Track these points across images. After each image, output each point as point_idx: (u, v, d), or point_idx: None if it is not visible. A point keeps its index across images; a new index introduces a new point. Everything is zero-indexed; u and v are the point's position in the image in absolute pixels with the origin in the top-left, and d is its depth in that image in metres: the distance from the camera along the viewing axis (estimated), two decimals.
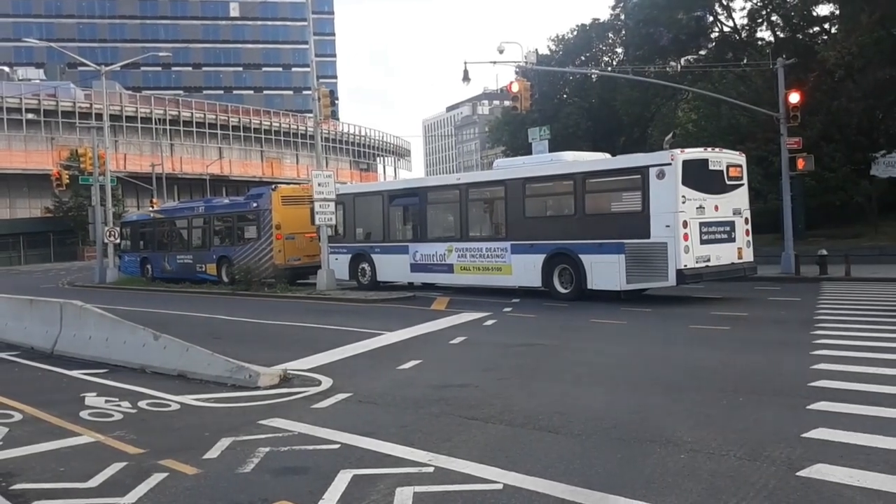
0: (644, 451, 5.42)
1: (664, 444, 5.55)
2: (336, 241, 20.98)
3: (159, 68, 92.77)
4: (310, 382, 8.34)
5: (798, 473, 4.79)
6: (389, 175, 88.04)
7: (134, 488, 4.98)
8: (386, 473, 5.10)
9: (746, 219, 15.65)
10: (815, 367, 8.05)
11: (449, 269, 18.61)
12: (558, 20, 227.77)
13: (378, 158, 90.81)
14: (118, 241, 30.18)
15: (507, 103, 49.63)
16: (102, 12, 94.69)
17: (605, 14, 51.77)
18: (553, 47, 42.99)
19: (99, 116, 40.63)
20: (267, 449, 5.78)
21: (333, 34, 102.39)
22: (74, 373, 9.47)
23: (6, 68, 73.44)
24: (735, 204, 15.41)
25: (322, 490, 4.82)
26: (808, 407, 6.41)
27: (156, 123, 66.33)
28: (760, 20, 33.13)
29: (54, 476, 5.38)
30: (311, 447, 5.83)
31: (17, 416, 7.24)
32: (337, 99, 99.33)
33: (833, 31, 31.11)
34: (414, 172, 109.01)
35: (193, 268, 25.93)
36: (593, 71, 31.78)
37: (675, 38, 33.88)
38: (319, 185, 20.07)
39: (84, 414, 7.20)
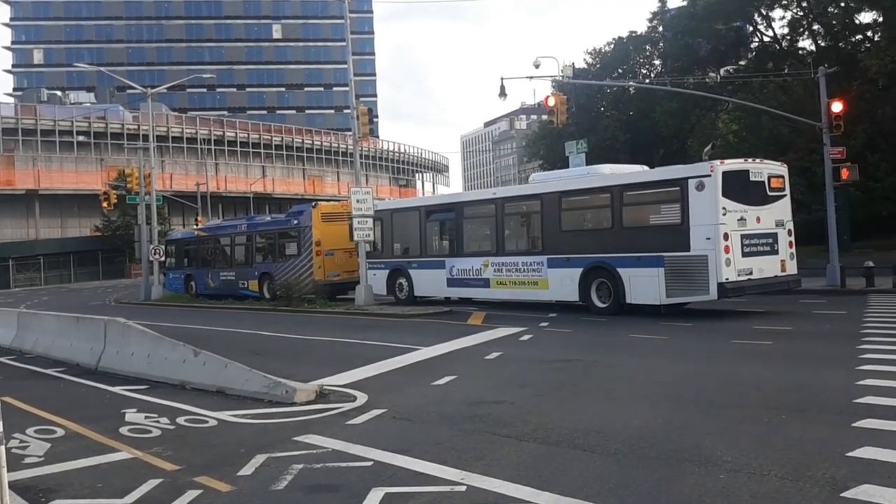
0: (682, 471, 5.28)
1: (703, 463, 5.40)
2: (374, 256, 21.16)
3: (204, 90, 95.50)
4: (345, 398, 8.39)
5: (843, 494, 4.60)
6: (428, 191, 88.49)
7: None
8: (418, 492, 5.07)
9: (789, 230, 15.27)
10: (862, 382, 7.76)
11: (485, 283, 18.56)
12: (595, 34, 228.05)
13: (416, 174, 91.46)
14: (163, 258, 30.96)
15: (543, 117, 49.63)
16: (150, 36, 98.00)
17: (642, 27, 51.32)
18: (590, 60, 42.88)
19: (146, 137, 41.87)
20: (301, 466, 5.81)
21: (373, 53, 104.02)
22: (117, 389, 9.70)
23: (59, 93, 76.65)
24: (777, 215, 15.05)
25: None
26: (854, 424, 6.17)
27: (201, 143, 68.15)
28: (801, 29, 32.48)
29: (92, 492, 5.48)
30: (344, 464, 5.83)
31: (60, 432, 7.43)
32: (376, 117, 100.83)
33: (876, 38, 30.25)
34: (452, 188, 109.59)
35: (236, 284, 26.44)
36: (631, 83, 31.56)
37: (714, 49, 33.45)
38: (358, 201, 20.31)
39: (124, 430, 7.36)
